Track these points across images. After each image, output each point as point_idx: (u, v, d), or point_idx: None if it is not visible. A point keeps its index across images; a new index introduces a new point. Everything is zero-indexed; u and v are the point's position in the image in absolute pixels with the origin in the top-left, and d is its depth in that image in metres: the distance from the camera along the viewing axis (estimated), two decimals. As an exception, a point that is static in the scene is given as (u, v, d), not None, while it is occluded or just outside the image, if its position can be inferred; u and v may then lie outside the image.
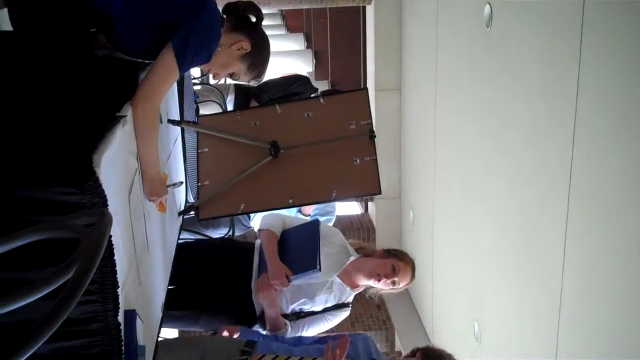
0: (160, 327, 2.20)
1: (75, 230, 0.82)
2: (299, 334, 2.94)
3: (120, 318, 1.49)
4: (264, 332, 2.92)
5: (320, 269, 2.76)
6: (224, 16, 2.19)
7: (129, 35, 1.97)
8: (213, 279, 2.96)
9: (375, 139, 2.46)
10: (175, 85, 2.63)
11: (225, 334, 2.79)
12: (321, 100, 2.63)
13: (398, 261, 2.97)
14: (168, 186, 2.16)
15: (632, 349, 2.73)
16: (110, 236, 1.40)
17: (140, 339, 1.68)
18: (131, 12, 1.93)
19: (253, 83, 2.47)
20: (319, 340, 2.81)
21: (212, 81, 4.34)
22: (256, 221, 3.67)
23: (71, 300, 0.71)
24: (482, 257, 4.56)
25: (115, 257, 1.44)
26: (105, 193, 1.38)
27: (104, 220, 0.85)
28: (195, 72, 3.82)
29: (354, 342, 2.78)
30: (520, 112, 3.70)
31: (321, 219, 3.39)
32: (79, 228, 0.83)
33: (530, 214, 3.66)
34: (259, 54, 2.27)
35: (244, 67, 2.25)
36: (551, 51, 3.27)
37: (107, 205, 1.39)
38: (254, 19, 2.29)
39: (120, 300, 1.47)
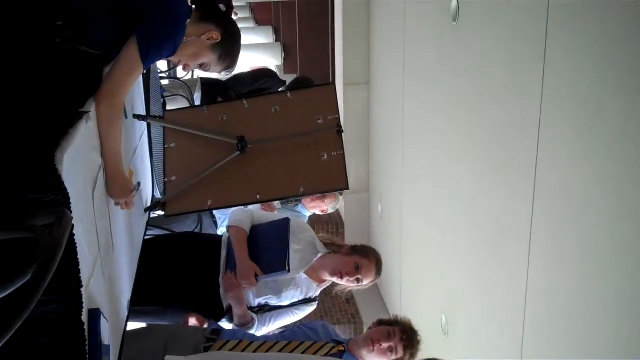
0: (126, 325, 2.17)
1: (33, 230, 0.81)
2: (265, 327, 2.96)
3: (84, 317, 1.47)
4: (232, 326, 2.92)
5: (289, 271, 2.76)
6: (193, 6, 2.16)
7: (93, 28, 1.93)
8: (180, 273, 2.94)
9: (344, 133, 2.46)
10: (141, 80, 2.59)
11: (193, 321, 2.77)
12: (288, 94, 2.61)
13: (361, 259, 2.96)
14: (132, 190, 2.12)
15: (596, 343, 2.77)
16: (73, 235, 1.37)
17: (105, 337, 1.66)
18: (94, 3, 1.89)
19: (224, 74, 2.44)
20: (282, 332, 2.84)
21: (180, 74, 4.30)
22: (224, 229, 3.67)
23: (29, 304, 0.70)
24: (449, 250, 4.59)
25: (79, 256, 1.41)
26: (68, 191, 1.36)
27: (63, 220, 0.83)
28: (163, 66, 3.78)
29: (313, 327, 2.80)
30: (487, 106, 3.73)
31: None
32: (37, 228, 0.81)
33: (497, 207, 3.69)
34: (230, 43, 2.24)
35: (215, 57, 2.22)
36: (517, 46, 3.29)
37: (70, 203, 1.36)
38: (223, 9, 2.26)
39: (83, 300, 1.44)
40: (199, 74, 5.15)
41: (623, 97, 2.46)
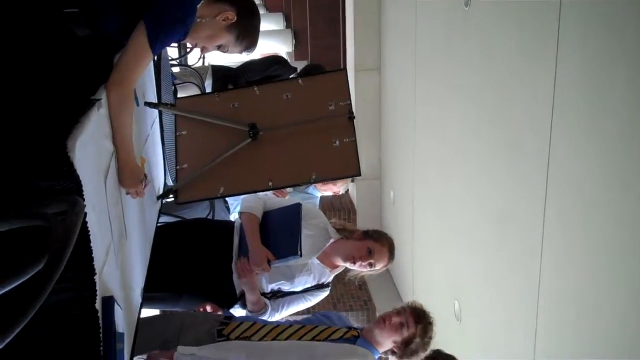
0: (140, 312, 2.18)
1: (46, 218, 0.80)
2: (278, 313, 2.97)
3: (98, 305, 1.47)
4: (245, 312, 2.93)
5: (301, 255, 2.76)
6: None
7: (103, 14, 1.92)
8: (193, 259, 2.95)
9: (355, 120, 2.45)
10: (152, 67, 2.58)
11: (208, 309, 2.79)
12: (299, 81, 2.60)
13: (374, 243, 2.97)
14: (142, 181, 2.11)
15: (607, 326, 2.76)
16: (86, 222, 1.38)
17: (119, 325, 1.66)
18: None
19: (245, 54, 2.40)
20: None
21: (191, 61, 4.29)
22: (236, 214, 3.68)
23: (42, 292, 0.69)
24: (461, 237, 4.57)
25: (91, 244, 1.41)
26: (80, 178, 1.36)
27: (76, 208, 0.83)
28: (174, 53, 3.78)
29: (327, 315, 2.85)
30: (498, 94, 3.70)
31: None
32: (50, 216, 0.81)
33: (509, 195, 3.67)
34: (247, 23, 2.19)
35: (232, 38, 2.17)
36: (529, 32, 3.26)
37: (82, 190, 1.36)
38: None
39: (97, 287, 1.45)
40: (210, 61, 5.14)
41: (634, 92, 2.44)
